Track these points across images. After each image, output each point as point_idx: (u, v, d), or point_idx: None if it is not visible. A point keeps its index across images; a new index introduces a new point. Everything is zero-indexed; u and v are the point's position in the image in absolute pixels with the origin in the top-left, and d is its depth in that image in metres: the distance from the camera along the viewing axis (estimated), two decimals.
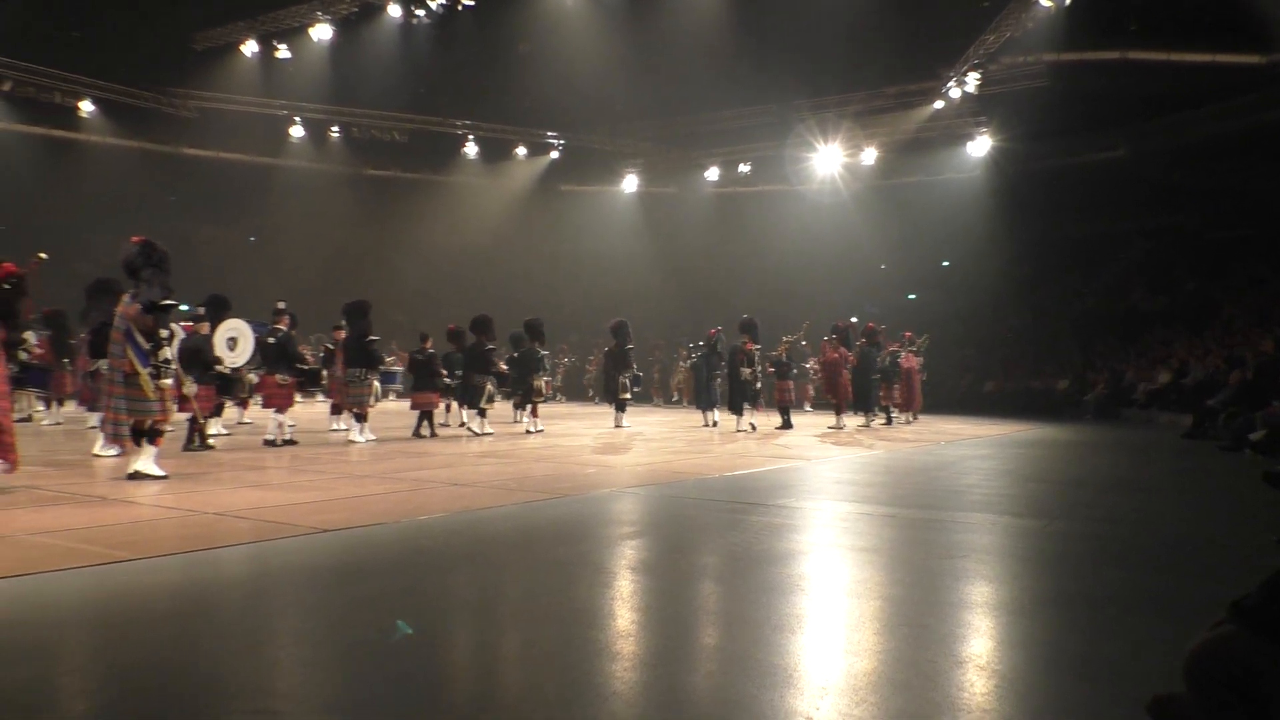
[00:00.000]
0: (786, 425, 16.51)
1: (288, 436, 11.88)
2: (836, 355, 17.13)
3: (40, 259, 7.34)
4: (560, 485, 8.16)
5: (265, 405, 12.23)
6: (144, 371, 7.85)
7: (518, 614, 4.16)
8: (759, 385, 16.03)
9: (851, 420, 17.53)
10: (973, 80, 27.04)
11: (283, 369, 12.03)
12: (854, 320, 18.33)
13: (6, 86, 28.12)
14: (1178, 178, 26.77)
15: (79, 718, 2.85)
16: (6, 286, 7.09)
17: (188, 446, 10.75)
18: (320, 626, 3.90)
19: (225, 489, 7.62)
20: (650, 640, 3.67)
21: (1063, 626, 3.96)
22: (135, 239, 8.01)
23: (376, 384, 12.80)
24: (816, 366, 18.14)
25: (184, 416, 10.58)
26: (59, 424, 15.00)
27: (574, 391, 29.73)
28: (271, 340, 12.19)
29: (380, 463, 9.97)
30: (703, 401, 18.29)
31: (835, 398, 17.14)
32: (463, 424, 14.85)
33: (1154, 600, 4.48)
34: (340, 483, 8.13)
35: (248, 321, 12.15)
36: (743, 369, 15.87)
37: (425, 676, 3.19)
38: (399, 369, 17.51)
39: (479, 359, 14.30)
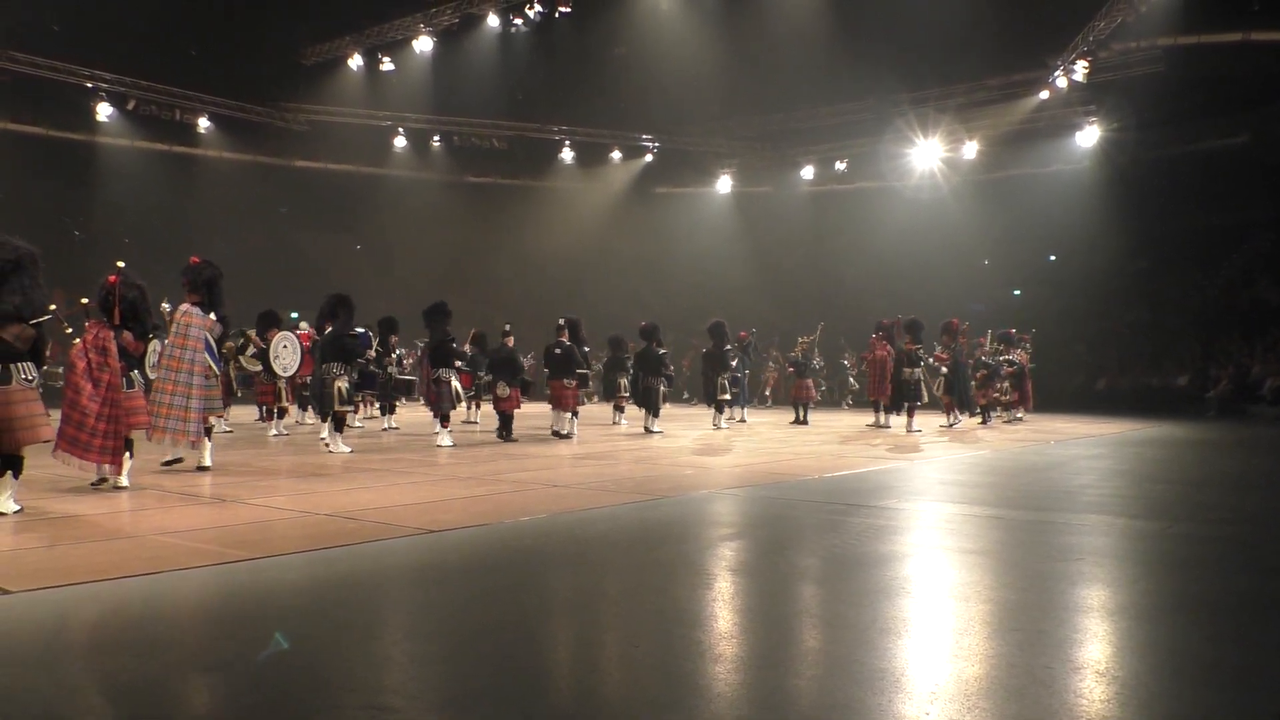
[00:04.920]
0: (802, 422, 17.36)
1: (573, 430, 14.07)
2: (885, 353, 16.93)
3: (119, 269, 7.75)
4: (659, 487, 8.17)
5: (554, 406, 14.17)
6: (219, 374, 9.10)
7: (619, 613, 4.18)
8: (914, 384, 15.83)
9: (933, 420, 17.18)
10: (1081, 69, 26.07)
11: (567, 374, 13.97)
12: (899, 317, 17.68)
13: (130, 105, 29.66)
14: None
15: (203, 711, 2.97)
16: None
17: (505, 437, 13.14)
18: (430, 624, 4.00)
19: (338, 490, 7.85)
20: (752, 642, 3.64)
21: (1187, 632, 3.78)
22: (195, 259, 8.87)
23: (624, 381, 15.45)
24: (853, 364, 18.29)
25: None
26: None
27: (669, 392, 29.66)
28: (558, 350, 14.15)
29: (482, 465, 10.16)
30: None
31: (880, 396, 17.00)
32: (647, 428, 15.15)
33: None
34: (446, 484, 8.31)
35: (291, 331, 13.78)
36: (904, 369, 15.97)
37: (532, 674, 3.24)
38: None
39: (652, 363, 15.27)
